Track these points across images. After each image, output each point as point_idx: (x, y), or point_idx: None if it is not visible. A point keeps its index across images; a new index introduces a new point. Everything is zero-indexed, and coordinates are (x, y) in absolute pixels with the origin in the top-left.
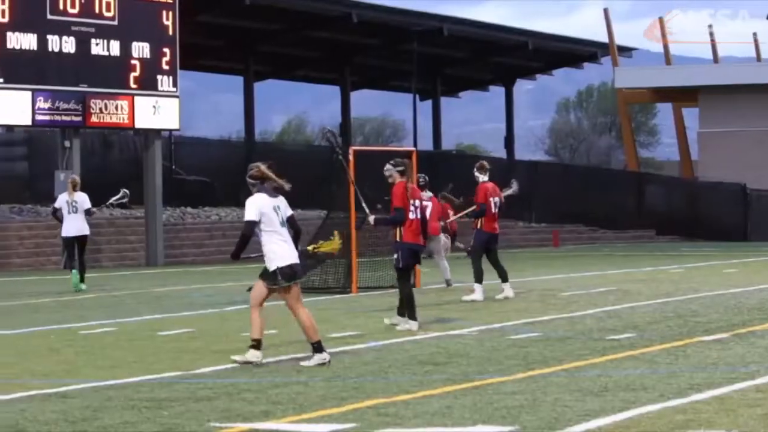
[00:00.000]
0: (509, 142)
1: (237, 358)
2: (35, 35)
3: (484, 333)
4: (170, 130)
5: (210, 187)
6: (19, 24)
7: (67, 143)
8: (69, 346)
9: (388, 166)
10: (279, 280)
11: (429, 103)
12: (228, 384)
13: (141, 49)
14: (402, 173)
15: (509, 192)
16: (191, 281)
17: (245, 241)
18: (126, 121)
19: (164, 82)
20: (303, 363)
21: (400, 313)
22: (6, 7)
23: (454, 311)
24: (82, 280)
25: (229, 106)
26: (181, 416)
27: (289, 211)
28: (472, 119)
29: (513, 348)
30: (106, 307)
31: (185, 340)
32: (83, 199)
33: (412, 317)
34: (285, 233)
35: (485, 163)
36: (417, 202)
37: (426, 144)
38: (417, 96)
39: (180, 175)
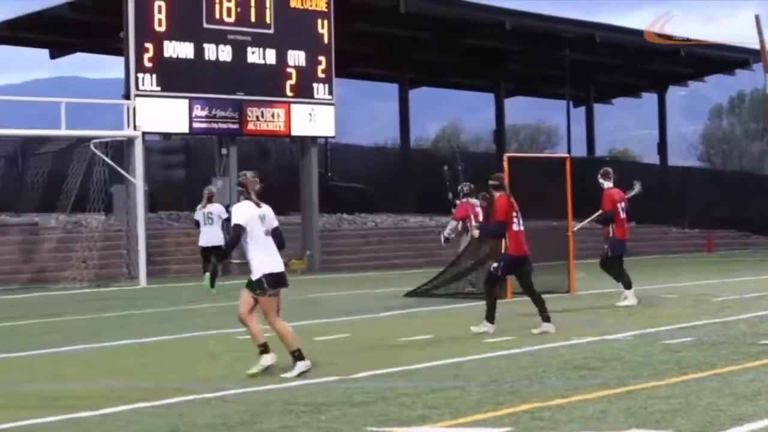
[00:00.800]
0: (662, 148)
1: (255, 369)
2: (192, 44)
3: (638, 338)
4: (326, 138)
5: (364, 194)
6: (176, 33)
7: (224, 151)
8: (228, 351)
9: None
10: (265, 287)
11: (582, 109)
12: (385, 388)
13: (297, 57)
14: (497, 188)
15: (633, 193)
16: (346, 287)
17: (234, 243)
18: (282, 128)
19: (320, 90)
20: (284, 375)
21: (488, 319)
22: (163, 16)
23: (609, 316)
24: (212, 285)
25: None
26: (337, 420)
27: (275, 222)
28: (624, 125)
29: (667, 352)
30: (263, 313)
31: (343, 345)
32: (219, 210)
33: (491, 320)
34: (269, 242)
35: (609, 169)
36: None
37: (580, 150)
38: (570, 103)
39: (335, 181)
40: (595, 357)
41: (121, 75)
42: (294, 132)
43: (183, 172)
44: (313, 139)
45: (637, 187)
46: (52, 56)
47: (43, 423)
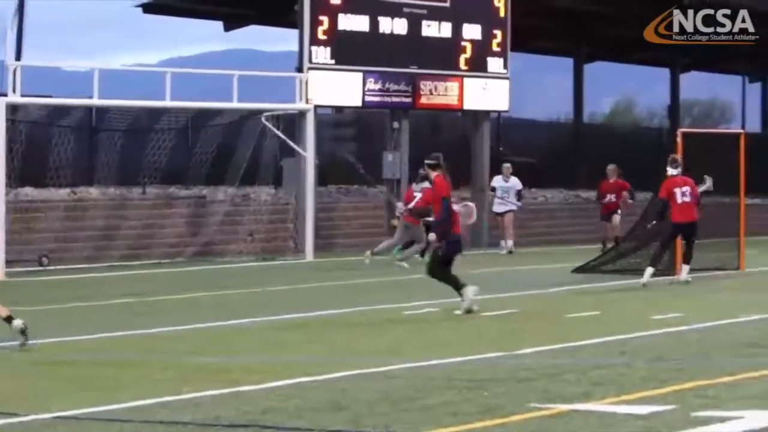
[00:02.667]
0: None
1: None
2: (367, 17)
3: None
4: (499, 112)
5: (536, 169)
6: (351, 6)
7: (396, 125)
8: (394, 325)
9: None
10: None
11: (758, 85)
12: (549, 365)
13: (472, 30)
14: (435, 167)
15: (704, 188)
16: (514, 263)
17: None
18: (455, 102)
19: (494, 64)
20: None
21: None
22: None
23: None
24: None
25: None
26: (501, 396)
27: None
28: None
29: None
30: (430, 288)
31: (509, 321)
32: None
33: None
34: None
35: (677, 157)
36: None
37: (754, 126)
38: (746, 78)
39: (506, 156)
40: (762, 335)
41: (295, 48)
42: (467, 106)
43: (354, 146)
44: (486, 113)
45: (708, 183)
46: (226, 29)
47: (206, 396)
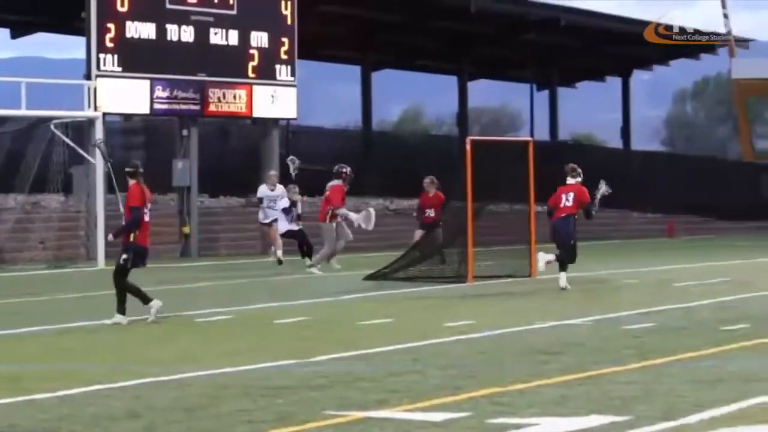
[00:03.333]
0: (625, 132)
1: None
2: (154, 24)
3: (599, 323)
4: (288, 120)
5: (326, 176)
6: (138, 13)
7: (185, 132)
8: (184, 333)
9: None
10: None
11: (545, 93)
12: (343, 372)
13: (259, 38)
14: (132, 175)
15: (600, 192)
16: (306, 270)
17: None
18: (244, 110)
19: (282, 71)
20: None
21: (119, 311)
22: None
23: (570, 301)
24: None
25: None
26: (296, 404)
27: None
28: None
29: (627, 338)
30: (222, 295)
31: (301, 328)
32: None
33: (122, 311)
34: None
35: (575, 166)
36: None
37: (543, 134)
38: (534, 86)
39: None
40: (555, 342)
41: (83, 55)
42: (256, 113)
43: (144, 153)
44: (275, 120)
45: (603, 187)
46: (13, 36)
47: (0, 404)
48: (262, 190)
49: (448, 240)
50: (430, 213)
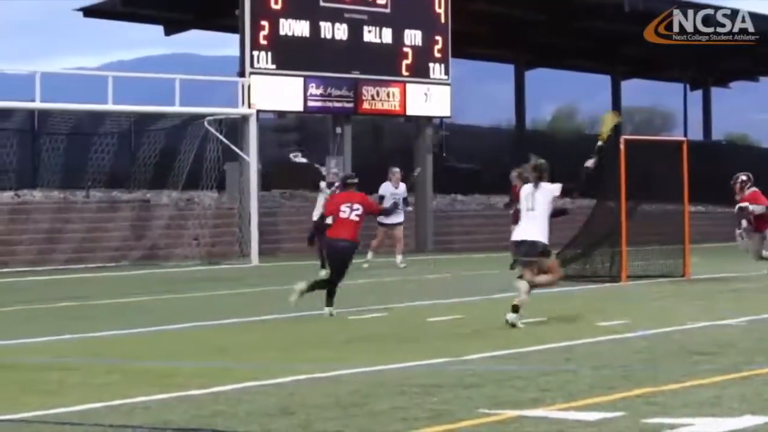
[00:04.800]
0: None
1: None
2: (308, 22)
3: (753, 323)
4: (441, 118)
5: (479, 175)
6: (292, 11)
7: (338, 130)
8: (339, 331)
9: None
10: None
11: (699, 93)
12: (497, 371)
13: (413, 36)
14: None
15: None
16: (461, 268)
17: None
18: (397, 108)
19: (436, 70)
20: None
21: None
22: None
23: (724, 301)
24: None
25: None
26: (450, 402)
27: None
28: (742, 109)
29: None
30: (376, 293)
31: (454, 327)
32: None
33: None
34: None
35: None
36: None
37: (696, 134)
38: (687, 86)
39: (449, 162)
40: (709, 342)
41: (236, 53)
42: (409, 112)
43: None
44: (428, 119)
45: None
46: (167, 33)
47: (155, 400)
48: (385, 188)
49: (601, 239)
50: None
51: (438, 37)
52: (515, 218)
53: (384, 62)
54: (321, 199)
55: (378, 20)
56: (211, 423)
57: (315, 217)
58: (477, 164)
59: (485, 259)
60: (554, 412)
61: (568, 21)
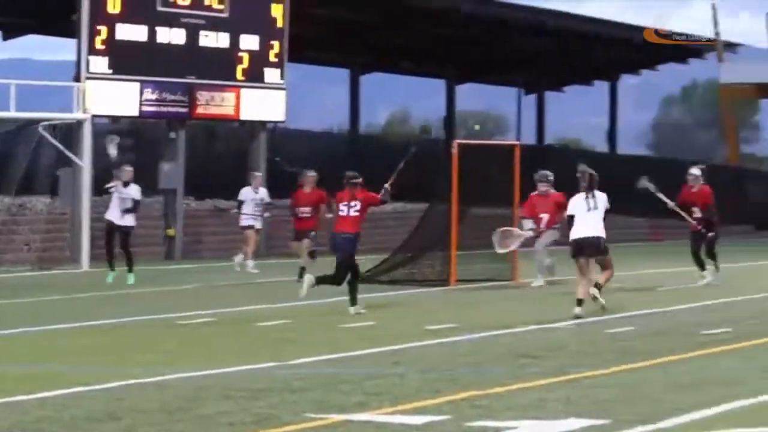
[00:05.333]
0: (612, 136)
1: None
2: (145, 27)
3: (581, 326)
4: (276, 122)
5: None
6: (129, 16)
7: (172, 134)
8: (168, 336)
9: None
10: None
11: (533, 97)
12: (324, 375)
13: (250, 41)
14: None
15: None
16: (292, 272)
17: None
18: (232, 112)
19: (271, 75)
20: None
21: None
22: None
23: (552, 304)
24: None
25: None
26: (276, 406)
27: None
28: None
29: (609, 341)
30: (205, 298)
31: (283, 331)
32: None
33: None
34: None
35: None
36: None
37: (529, 138)
38: (521, 90)
39: (282, 166)
40: (537, 345)
41: (72, 57)
42: (243, 116)
43: (132, 156)
44: (263, 123)
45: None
46: (5, 38)
47: None
48: (246, 193)
49: (432, 242)
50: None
51: (274, 42)
52: None
53: (220, 67)
54: (115, 201)
55: (215, 25)
56: (36, 428)
57: (110, 216)
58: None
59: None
60: (380, 416)
61: (404, 25)
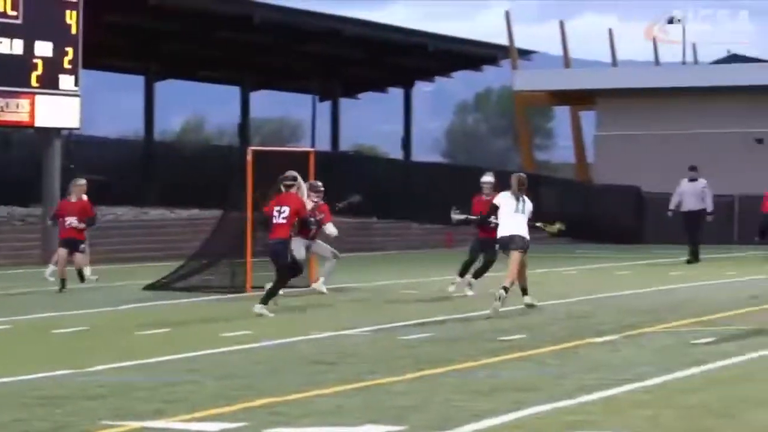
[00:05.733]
0: (407, 143)
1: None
2: None
3: (377, 333)
4: (70, 129)
5: (106, 186)
6: None
7: None
8: None
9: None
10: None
11: (328, 104)
12: (120, 382)
13: (44, 47)
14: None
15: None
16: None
17: None
18: (27, 119)
19: (66, 81)
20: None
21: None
22: None
23: (348, 311)
24: None
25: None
26: (73, 414)
27: None
28: (370, 120)
29: (404, 348)
30: (2, 306)
31: (80, 338)
32: None
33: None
34: None
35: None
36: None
37: (324, 145)
38: (316, 97)
39: (76, 173)
40: (332, 352)
41: None
42: (38, 123)
43: None
44: (57, 130)
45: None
46: None
47: None
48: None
49: (227, 249)
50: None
51: (69, 48)
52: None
53: (13, 73)
54: None
55: (8, 31)
56: None
57: None
58: (105, 176)
59: (112, 270)
60: (177, 423)
61: (199, 32)
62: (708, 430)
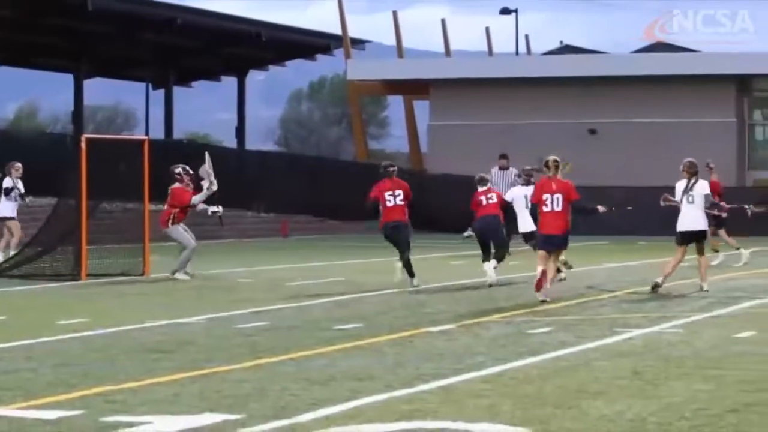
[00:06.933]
0: (240, 132)
1: None
2: None
3: (212, 321)
4: None
5: None
6: None
7: None
8: None
9: None
10: None
11: (161, 92)
12: None
13: None
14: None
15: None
16: None
17: None
18: None
19: None
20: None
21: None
22: None
23: (183, 300)
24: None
25: None
26: None
27: None
28: (204, 109)
29: (240, 336)
30: None
31: None
32: None
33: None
34: None
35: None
36: None
37: (158, 133)
38: (149, 85)
39: None
40: (168, 340)
41: None
42: None
43: None
44: None
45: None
46: None
47: None
48: (7, 181)
49: (62, 237)
50: None
51: None
52: None
53: None
54: None
55: None
56: None
57: None
58: None
59: None
60: (13, 411)
61: (34, 19)
62: (545, 419)
